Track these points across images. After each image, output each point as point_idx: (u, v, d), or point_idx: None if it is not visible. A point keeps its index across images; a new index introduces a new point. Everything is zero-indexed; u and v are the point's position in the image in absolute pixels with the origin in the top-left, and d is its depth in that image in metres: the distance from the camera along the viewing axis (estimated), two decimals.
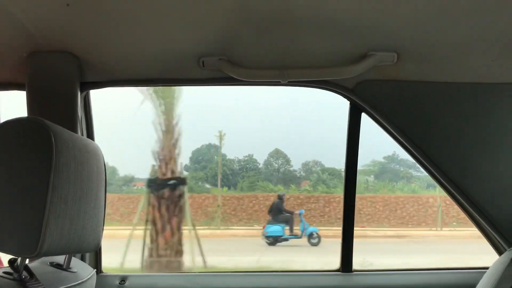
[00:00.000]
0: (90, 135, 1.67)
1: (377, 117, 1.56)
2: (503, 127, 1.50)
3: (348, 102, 1.62)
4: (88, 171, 1.00)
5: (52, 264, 1.11)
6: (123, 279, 1.68)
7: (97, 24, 1.25)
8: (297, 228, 9.27)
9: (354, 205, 1.69)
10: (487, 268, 1.50)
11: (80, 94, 1.51)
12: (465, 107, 1.52)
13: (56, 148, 0.86)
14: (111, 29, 1.28)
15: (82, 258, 1.55)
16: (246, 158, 12.45)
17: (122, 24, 1.26)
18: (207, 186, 11.79)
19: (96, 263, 1.71)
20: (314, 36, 1.31)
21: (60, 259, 1.14)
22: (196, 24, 1.25)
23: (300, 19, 1.20)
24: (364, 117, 1.62)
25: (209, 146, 12.01)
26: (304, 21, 1.21)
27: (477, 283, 1.48)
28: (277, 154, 12.30)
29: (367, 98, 1.54)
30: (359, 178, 1.74)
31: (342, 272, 1.72)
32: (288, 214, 9.36)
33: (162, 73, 1.54)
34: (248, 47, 1.38)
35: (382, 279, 1.70)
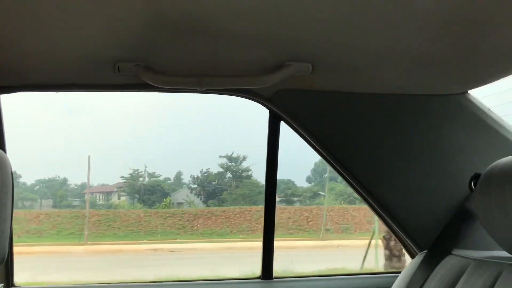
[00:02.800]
0: (1, 143, 1.59)
1: (295, 126, 1.59)
2: (412, 136, 1.57)
3: (268, 111, 1.64)
4: None
5: None
6: None
7: (4, 25, 1.19)
8: None
9: (274, 215, 1.71)
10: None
11: None
12: (378, 118, 1.57)
13: None
14: (21, 31, 1.22)
15: None
16: None
17: (31, 25, 1.20)
18: None
19: (8, 277, 1.63)
20: (231, 46, 1.31)
21: None
22: (110, 27, 1.22)
23: (217, 28, 1.20)
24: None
25: None
26: (221, 30, 1.21)
27: (391, 286, 1.53)
28: None
29: (285, 107, 1.57)
30: None
31: (263, 279, 1.73)
32: None
33: (76, 78, 1.48)
34: (164, 53, 1.36)
35: (302, 285, 1.73)
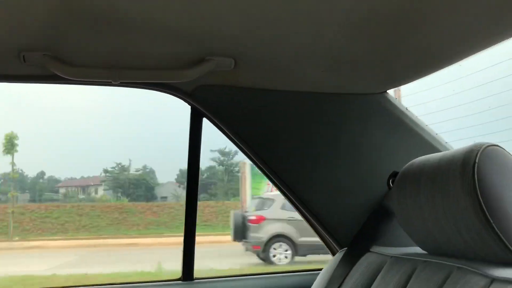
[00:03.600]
0: None
1: (218, 123, 1.55)
2: (333, 135, 1.58)
3: (190, 107, 1.58)
4: None
5: None
6: None
7: None
8: None
9: (196, 213, 1.66)
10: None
11: None
12: (300, 115, 1.57)
13: None
14: None
15: None
16: None
17: None
18: None
19: None
20: (147, 38, 1.24)
21: None
22: (13, 12, 1.11)
23: (131, 19, 1.13)
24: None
25: None
26: (136, 21, 1.14)
27: (312, 284, 1.53)
28: None
29: (207, 103, 1.52)
30: None
31: (183, 280, 1.68)
32: None
33: None
34: (75, 43, 1.26)
35: (223, 285, 1.69)
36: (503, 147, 0.98)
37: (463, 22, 1.07)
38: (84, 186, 14.98)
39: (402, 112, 1.60)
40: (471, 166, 0.93)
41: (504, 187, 0.93)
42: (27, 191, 14.11)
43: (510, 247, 0.90)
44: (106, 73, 1.33)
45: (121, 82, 1.37)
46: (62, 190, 14.97)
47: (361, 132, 1.59)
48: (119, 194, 14.54)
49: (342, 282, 1.36)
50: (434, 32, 1.13)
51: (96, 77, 1.36)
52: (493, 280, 0.87)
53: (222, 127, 1.55)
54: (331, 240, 1.65)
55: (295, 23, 1.13)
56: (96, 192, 14.95)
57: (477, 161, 0.93)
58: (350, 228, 1.54)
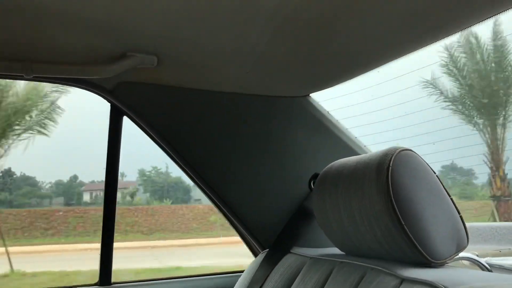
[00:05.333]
0: None
1: (139, 122, 1.49)
2: (257, 137, 1.59)
3: (109, 104, 1.52)
4: None
5: None
6: None
7: None
8: None
9: (114, 218, 1.59)
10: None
11: None
12: (223, 116, 1.56)
13: None
14: None
15: None
16: None
17: None
18: None
19: None
20: (63, 30, 1.17)
21: None
22: None
23: (44, 9, 1.06)
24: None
25: None
26: (50, 12, 1.07)
27: (234, 286, 1.52)
28: None
29: (128, 101, 1.46)
30: None
31: (100, 285, 1.60)
32: None
33: None
34: None
35: None
36: (416, 152, 1.03)
37: (382, 30, 1.10)
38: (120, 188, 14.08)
39: (323, 116, 1.64)
40: (385, 170, 0.96)
41: (416, 190, 0.97)
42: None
43: (420, 248, 0.94)
44: (18, 66, 1.24)
45: (34, 77, 1.28)
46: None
47: (284, 134, 1.61)
48: (159, 197, 14.04)
49: (263, 283, 1.36)
50: (355, 38, 1.16)
51: (7, 70, 1.26)
52: (403, 280, 0.90)
53: (144, 126, 1.50)
54: (253, 242, 1.65)
55: (219, 23, 1.11)
56: (132, 196, 14.21)
57: (391, 164, 0.96)
58: (272, 230, 1.55)
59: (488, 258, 1.47)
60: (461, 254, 1.19)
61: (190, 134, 1.52)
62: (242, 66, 1.38)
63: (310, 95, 1.62)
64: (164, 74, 1.42)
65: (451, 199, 1.02)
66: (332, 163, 1.20)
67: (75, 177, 14.31)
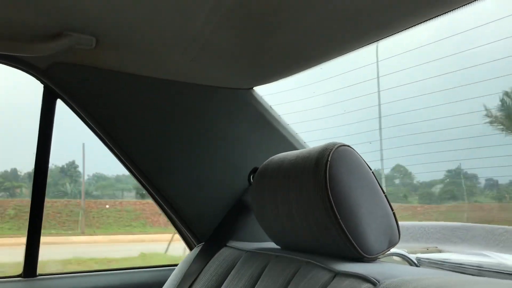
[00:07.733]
0: None
1: (74, 106, 1.42)
2: (198, 127, 1.55)
3: (42, 86, 1.43)
4: None
5: None
6: None
7: None
8: None
9: (43, 209, 1.50)
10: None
11: None
12: (164, 104, 1.51)
13: None
14: None
15: None
16: None
17: None
18: None
19: None
20: None
21: None
22: None
23: None
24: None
25: None
26: None
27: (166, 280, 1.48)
28: None
29: (62, 82, 1.39)
30: None
31: (24, 277, 1.52)
32: None
33: None
34: None
35: (67, 282, 1.57)
36: (353, 148, 1.04)
37: (325, 26, 1.11)
38: None
39: (266, 110, 1.63)
40: (323, 164, 0.97)
41: (352, 186, 0.98)
42: None
43: (354, 243, 0.96)
44: None
45: None
46: None
47: (226, 126, 1.59)
48: None
49: (197, 277, 1.34)
50: (298, 33, 1.16)
51: None
52: (336, 274, 0.91)
53: (78, 110, 1.43)
54: (189, 235, 1.62)
55: (161, 7, 1.07)
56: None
57: (329, 159, 0.97)
58: (209, 223, 1.52)
59: (417, 254, 1.54)
60: (392, 250, 1.22)
61: (127, 121, 1.46)
62: (185, 54, 1.34)
63: (254, 88, 1.61)
64: (103, 56, 1.35)
65: (385, 196, 1.04)
66: (272, 157, 1.19)
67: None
